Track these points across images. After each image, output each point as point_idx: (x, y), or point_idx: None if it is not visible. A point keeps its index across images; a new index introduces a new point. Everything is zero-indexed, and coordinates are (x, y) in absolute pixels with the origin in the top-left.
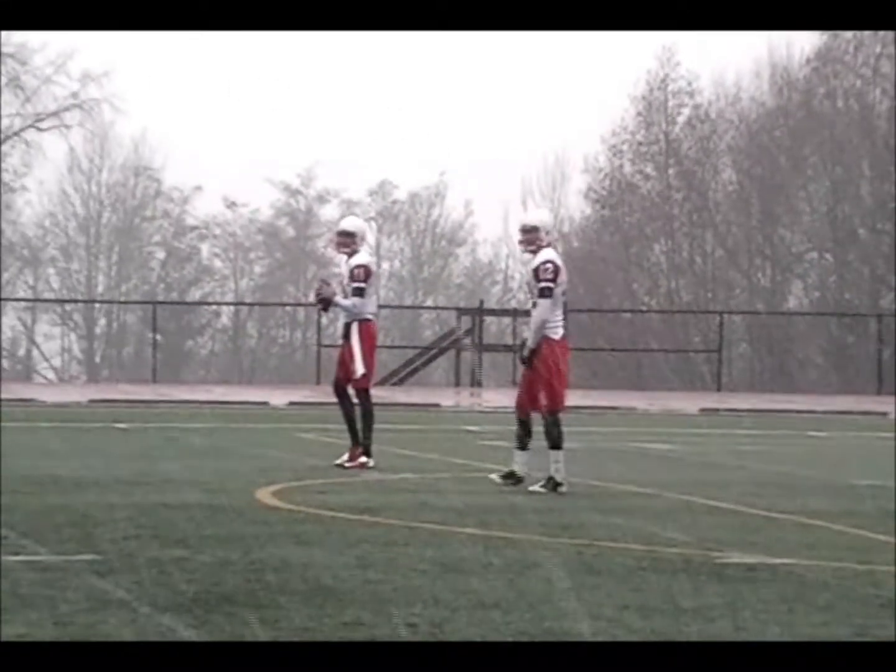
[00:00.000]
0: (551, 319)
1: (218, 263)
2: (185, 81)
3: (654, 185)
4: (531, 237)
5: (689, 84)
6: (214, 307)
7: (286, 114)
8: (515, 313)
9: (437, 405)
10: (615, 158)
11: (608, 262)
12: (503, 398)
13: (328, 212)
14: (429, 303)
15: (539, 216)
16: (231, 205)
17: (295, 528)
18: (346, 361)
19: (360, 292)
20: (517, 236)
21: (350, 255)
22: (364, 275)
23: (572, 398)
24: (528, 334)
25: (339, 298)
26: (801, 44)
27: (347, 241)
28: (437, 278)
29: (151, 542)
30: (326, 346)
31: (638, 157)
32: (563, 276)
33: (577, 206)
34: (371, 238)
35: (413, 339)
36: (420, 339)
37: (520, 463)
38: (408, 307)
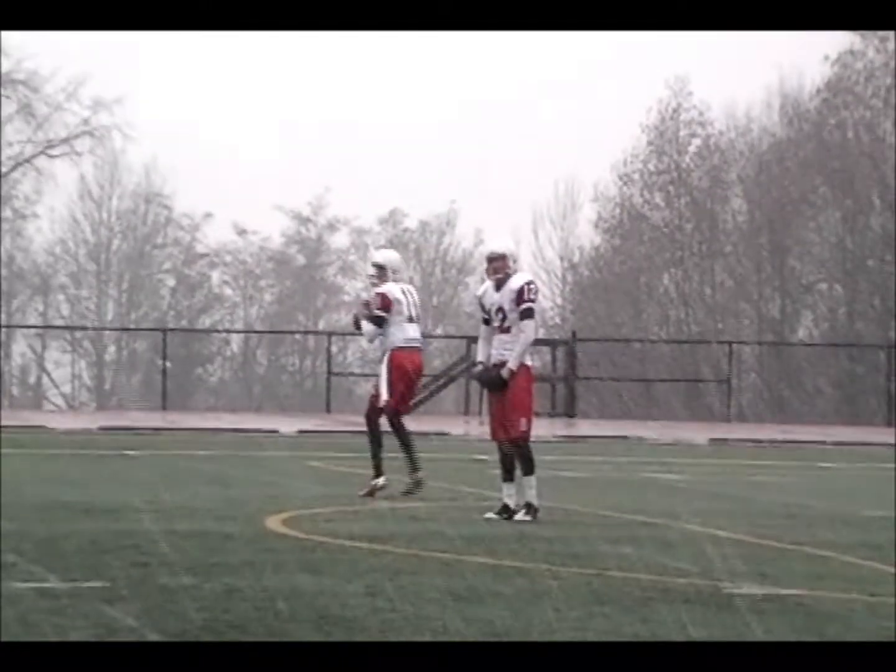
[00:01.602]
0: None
1: (228, 291)
2: (196, 109)
3: (664, 214)
4: (500, 265)
5: (701, 114)
6: (224, 335)
7: (297, 141)
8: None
9: (446, 433)
10: (626, 188)
11: (618, 291)
12: None
13: (338, 240)
14: (439, 331)
15: (506, 244)
16: (241, 232)
17: (304, 557)
18: (375, 389)
19: (378, 321)
20: (484, 265)
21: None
22: (382, 303)
23: (583, 427)
24: (511, 357)
25: (364, 323)
26: (812, 74)
27: (379, 273)
28: (447, 307)
29: (160, 570)
30: (336, 374)
31: (648, 187)
32: (540, 302)
33: (587, 236)
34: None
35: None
36: (430, 368)
37: (509, 495)
38: None
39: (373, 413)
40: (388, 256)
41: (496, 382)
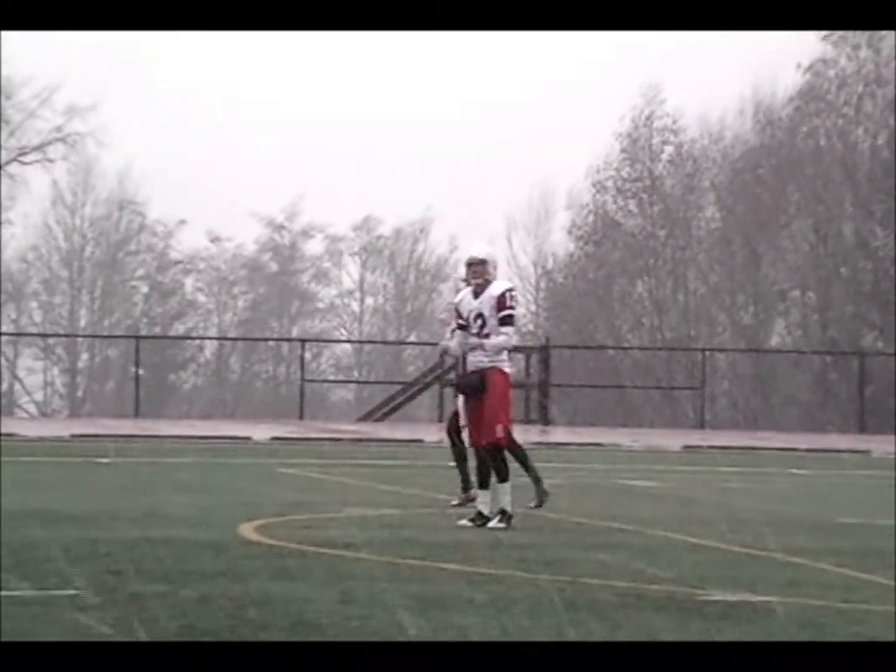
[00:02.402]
0: (508, 350)
1: (202, 298)
2: (170, 115)
3: (637, 222)
4: (480, 270)
5: (674, 122)
6: (198, 342)
7: (271, 148)
8: None
9: (420, 441)
10: (599, 195)
11: (591, 298)
12: None
13: (312, 247)
14: (412, 338)
15: (486, 249)
16: (215, 239)
17: (278, 564)
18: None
19: (509, 320)
20: (463, 271)
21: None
22: (508, 301)
23: (557, 434)
24: (483, 358)
25: (486, 342)
26: (785, 82)
27: (480, 269)
28: (420, 314)
29: (134, 578)
30: (310, 380)
31: (621, 194)
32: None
33: (561, 243)
34: (355, 273)
35: (396, 374)
36: (403, 375)
37: (483, 503)
38: (391, 342)
39: (453, 429)
40: (489, 250)
41: (475, 386)
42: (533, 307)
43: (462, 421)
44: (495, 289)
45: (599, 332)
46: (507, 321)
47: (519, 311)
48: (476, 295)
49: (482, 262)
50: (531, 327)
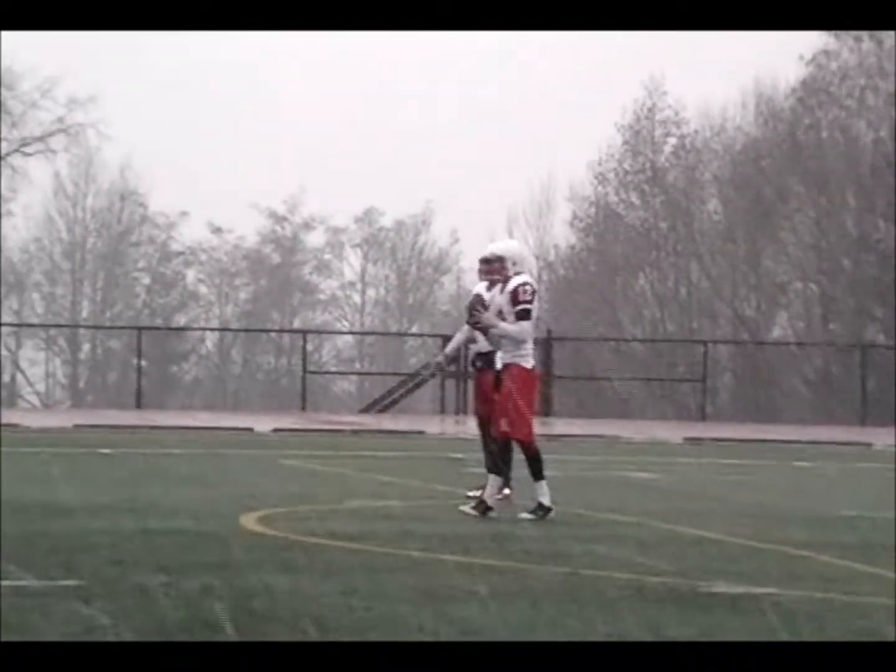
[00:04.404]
0: (525, 345)
1: (203, 289)
2: (172, 107)
3: (639, 214)
4: (497, 267)
5: (676, 114)
6: (199, 333)
7: (273, 140)
8: None
9: (421, 432)
10: (601, 187)
11: (593, 290)
12: None
13: (314, 239)
14: (414, 329)
15: (506, 245)
16: (217, 230)
17: (279, 555)
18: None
19: (526, 314)
20: (478, 266)
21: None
22: (524, 295)
23: (558, 426)
24: (505, 353)
25: (500, 323)
26: (787, 74)
27: (495, 266)
28: (422, 305)
29: (136, 569)
30: (312, 372)
31: (623, 186)
32: (537, 303)
33: (562, 235)
34: (357, 265)
35: (398, 366)
36: (405, 366)
37: (481, 487)
38: (393, 334)
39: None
40: (510, 247)
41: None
42: None
43: (517, 433)
44: (511, 284)
45: (601, 324)
46: (522, 315)
47: (536, 306)
48: (490, 289)
49: (500, 259)
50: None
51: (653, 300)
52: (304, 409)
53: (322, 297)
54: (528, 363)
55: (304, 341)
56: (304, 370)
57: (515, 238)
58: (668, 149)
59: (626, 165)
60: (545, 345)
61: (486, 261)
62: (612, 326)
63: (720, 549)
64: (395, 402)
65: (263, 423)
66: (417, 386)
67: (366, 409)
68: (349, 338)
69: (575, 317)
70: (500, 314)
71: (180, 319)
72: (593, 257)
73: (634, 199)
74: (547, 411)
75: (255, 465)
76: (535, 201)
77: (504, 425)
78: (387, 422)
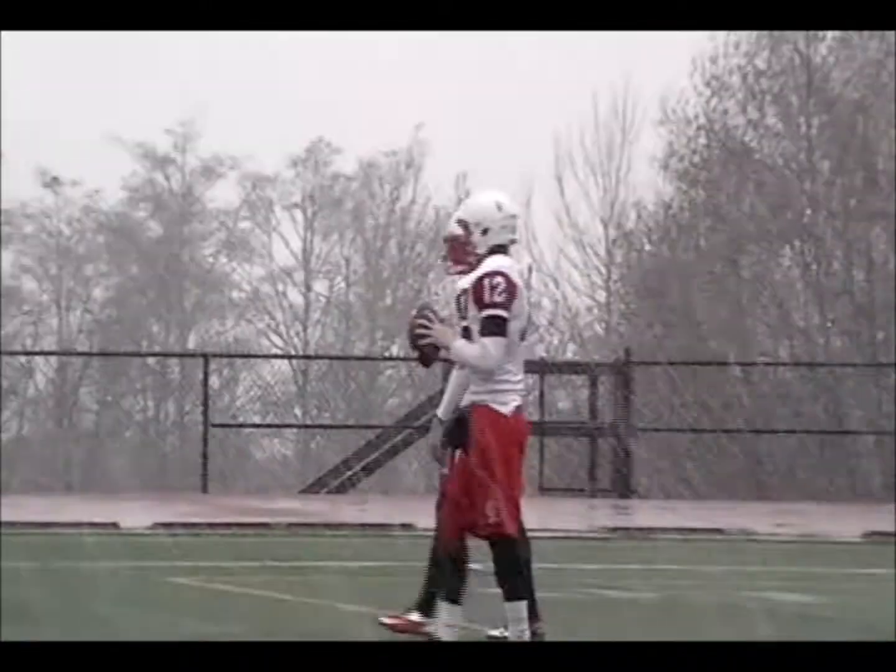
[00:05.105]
0: (501, 376)
1: (29, 284)
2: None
3: (784, 146)
4: (457, 247)
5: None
6: (22, 360)
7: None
8: None
9: (409, 525)
10: (715, 99)
11: (700, 277)
12: None
13: (221, 194)
14: (394, 351)
15: (466, 205)
16: (52, 182)
17: None
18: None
19: (497, 326)
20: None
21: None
22: (499, 291)
23: (643, 513)
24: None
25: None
26: None
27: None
28: (408, 307)
29: None
30: (219, 425)
31: (755, 98)
32: (520, 304)
33: (648, 185)
34: (296, 239)
35: (368, 412)
36: (379, 413)
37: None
38: (358, 358)
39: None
40: (470, 206)
41: (449, 432)
42: (602, 295)
43: (492, 518)
44: (474, 273)
45: (717, 336)
46: (489, 327)
47: (519, 310)
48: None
49: (455, 237)
50: (598, 329)
51: (806, 292)
52: (206, 488)
53: (236, 294)
54: (506, 405)
55: (206, 370)
56: (206, 421)
57: (566, 187)
58: (829, 42)
59: (759, 62)
60: (619, 373)
61: (445, 240)
62: (734, 337)
63: None
64: (361, 475)
65: (136, 514)
66: (396, 451)
67: (312, 487)
68: (283, 364)
69: (671, 323)
70: (467, 330)
71: None
72: (702, 220)
73: (774, 119)
74: (624, 489)
75: (118, 587)
76: (602, 128)
77: (492, 515)
78: (348, 509)
